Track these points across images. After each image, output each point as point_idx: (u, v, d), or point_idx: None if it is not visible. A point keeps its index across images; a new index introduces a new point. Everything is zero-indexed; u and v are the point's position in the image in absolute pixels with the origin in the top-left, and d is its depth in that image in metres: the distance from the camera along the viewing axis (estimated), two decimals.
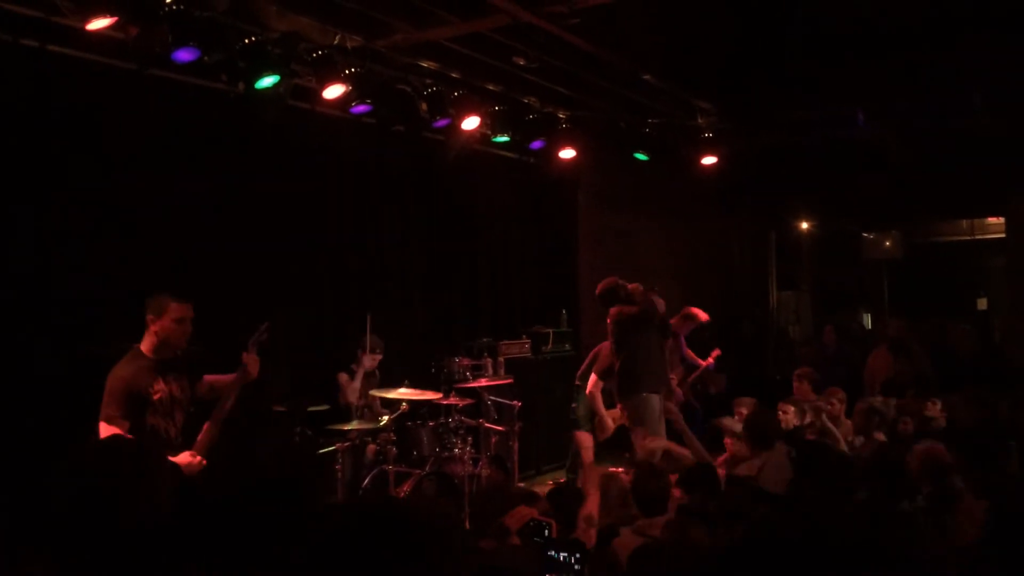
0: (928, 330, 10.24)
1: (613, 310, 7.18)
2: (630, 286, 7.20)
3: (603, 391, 7.54)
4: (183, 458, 4.43)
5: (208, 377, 4.80)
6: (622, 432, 7.41)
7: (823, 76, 8.11)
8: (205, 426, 4.57)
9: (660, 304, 7.19)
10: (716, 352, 8.74)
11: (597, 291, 7.34)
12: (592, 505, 4.09)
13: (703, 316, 8.45)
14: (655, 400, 6.97)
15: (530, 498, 4.28)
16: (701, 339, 9.25)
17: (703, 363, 8.71)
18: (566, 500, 4.29)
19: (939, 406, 6.72)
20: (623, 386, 7.03)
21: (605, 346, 7.45)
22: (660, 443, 5.79)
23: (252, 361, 4.67)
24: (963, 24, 7.11)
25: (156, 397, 4.44)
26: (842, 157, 10.49)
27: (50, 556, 1.72)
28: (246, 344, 4.77)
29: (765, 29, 7.30)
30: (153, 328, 4.50)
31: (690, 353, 8.77)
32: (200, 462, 4.46)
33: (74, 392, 5.25)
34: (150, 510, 1.77)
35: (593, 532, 3.91)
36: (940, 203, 12.45)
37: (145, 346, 4.52)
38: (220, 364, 4.90)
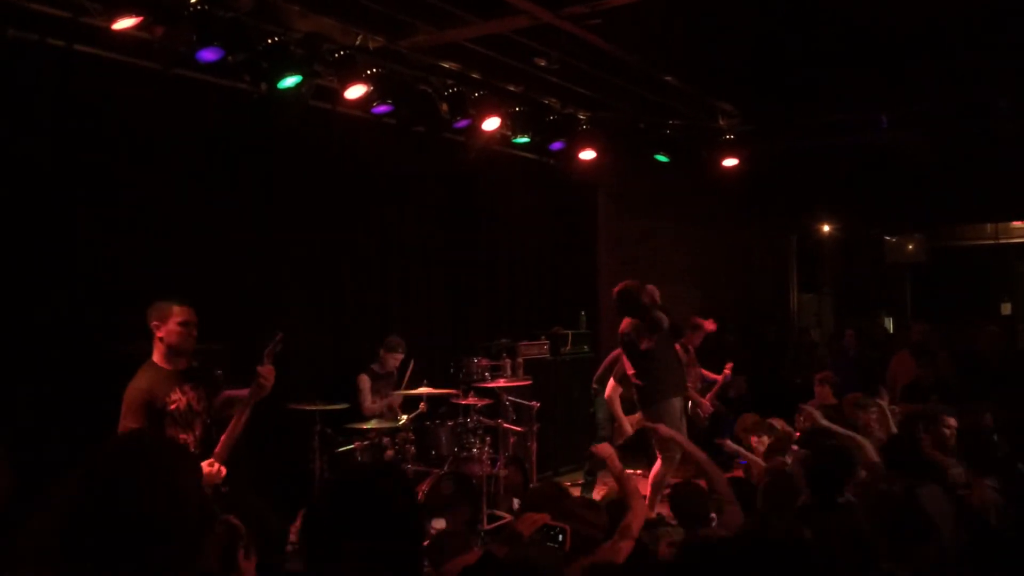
0: (952, 334, 10.14)
1: (627, 322, 6.93)
2: (646, 294, 6.93)
3: (622, 397, 7.49)
4: (203, 468, 4.42)
5: (226, 392, 4.77)
6: (641, 435, 7.37)
7: (846, 78, 8.05)
8: (223, 437, 4.54)
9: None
10: (729, 365, 8.68)
11: (614, 292, 7.12)
12: (637, 517, 3.90)
13: (710, 325, 8.37)
14: (677, 403, 6.91)
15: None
16: (722, 342, 9.21)
17: (718, 378, 8.67)
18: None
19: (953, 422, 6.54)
20: (644, 396, 6.89)
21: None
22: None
23: (267, 372, 4.58)
24: (988, 27, 7.04)
25: (172, 407, 4.40)
26: (865, 160, 10.42)
27: (72, 557, 1.70)
28: (261, 352, 4.72)
29: (788, 31, 7.26)
30: (159, 334, 4.45)
31: (704, 372, 8.70)
32: (219, 471, 4.43)
33: (98, 391, 5.30)
34: (175, 505, 1.76)
35: (628, 545, 3.72)
36: (964, 207, 12.33)
37: (157, 357, 4.48)
38: (241, 367, 4.88)
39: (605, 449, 4.63)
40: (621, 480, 4.32)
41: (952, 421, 6.25)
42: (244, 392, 4.60)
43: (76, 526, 1.68)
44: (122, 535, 1.67)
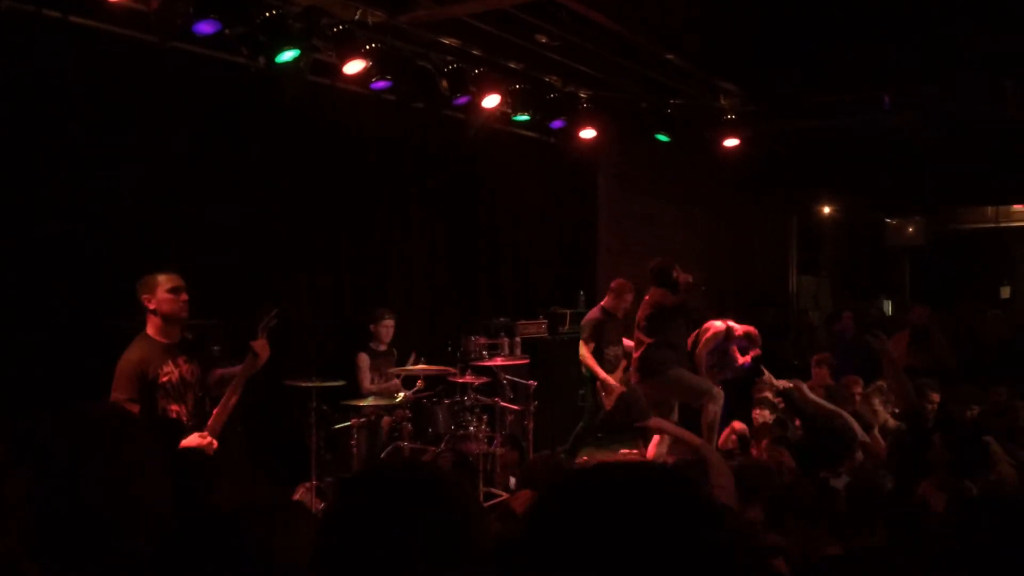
0: (952, 318, 10.13)
1: (657, 293, 7.12)
2: (682, 277, 7.14)
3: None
4: (193, 439, 4.40)
5: (219, 371, 4.76)
6: (624, 405, 7.51)
7: (849, 59, 7.99)
8: (215, 411, 4.54)
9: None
10: (755, 352, 8.54)
11: (652, 265, 7.26)
12: None
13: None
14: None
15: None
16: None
17: (741, 360, 8.63)
18: None
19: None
20: (648, 367, 7.07)
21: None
22: None
23: (261, 347, 4.59)
24: (994, 8, 6.98)
25: (164, 379, 4.39)
26: (867, 142, 10.36)
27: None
28: (256, 328, 4.71)
29: (791, 10, 7.20)
30: (151, 306, 4.44)
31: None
32: (211, 443, 4.43)
33: (96, 368, 5.28)
34: (123, 491, 1.54)
35: None
36: (965, 189, 12.30)
37: (151, 330, 4.46)
38: (238, 342, 4.87)
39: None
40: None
41: (935, 396, 6.30)
42: (237, 369, 4.61)
43: (23, 514, 1.52)
44: (67, 523, 1.50)
